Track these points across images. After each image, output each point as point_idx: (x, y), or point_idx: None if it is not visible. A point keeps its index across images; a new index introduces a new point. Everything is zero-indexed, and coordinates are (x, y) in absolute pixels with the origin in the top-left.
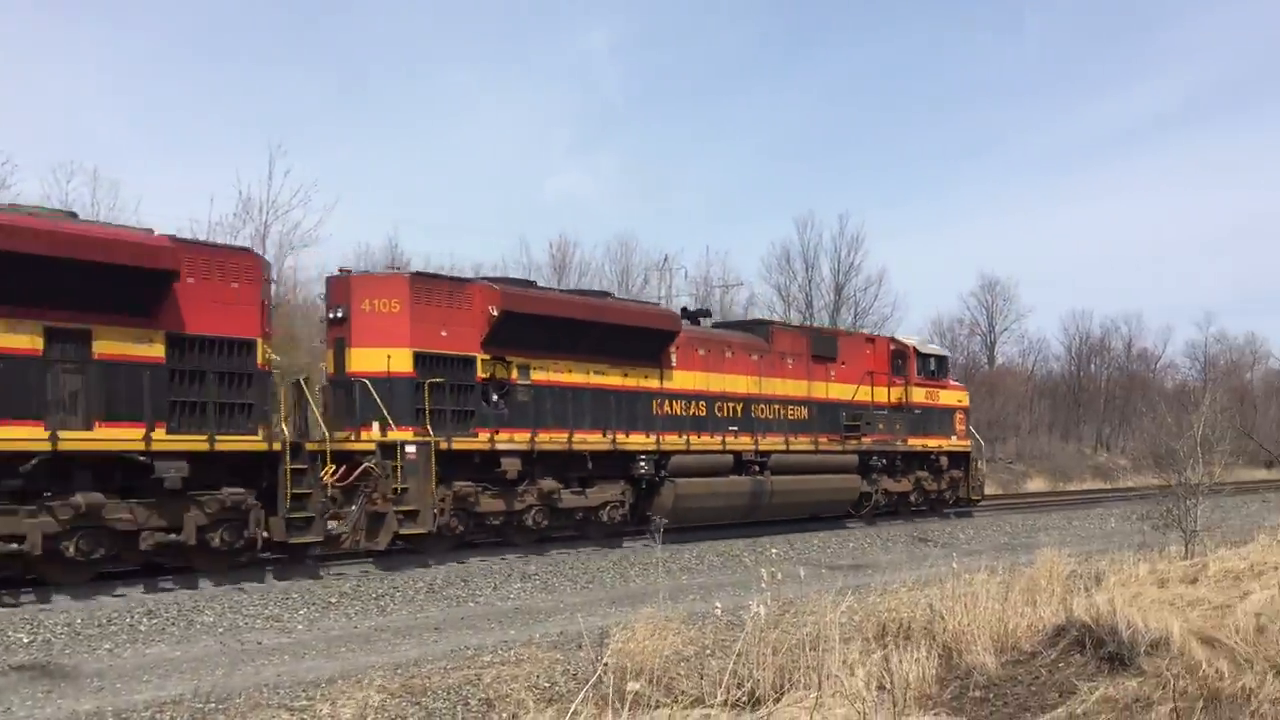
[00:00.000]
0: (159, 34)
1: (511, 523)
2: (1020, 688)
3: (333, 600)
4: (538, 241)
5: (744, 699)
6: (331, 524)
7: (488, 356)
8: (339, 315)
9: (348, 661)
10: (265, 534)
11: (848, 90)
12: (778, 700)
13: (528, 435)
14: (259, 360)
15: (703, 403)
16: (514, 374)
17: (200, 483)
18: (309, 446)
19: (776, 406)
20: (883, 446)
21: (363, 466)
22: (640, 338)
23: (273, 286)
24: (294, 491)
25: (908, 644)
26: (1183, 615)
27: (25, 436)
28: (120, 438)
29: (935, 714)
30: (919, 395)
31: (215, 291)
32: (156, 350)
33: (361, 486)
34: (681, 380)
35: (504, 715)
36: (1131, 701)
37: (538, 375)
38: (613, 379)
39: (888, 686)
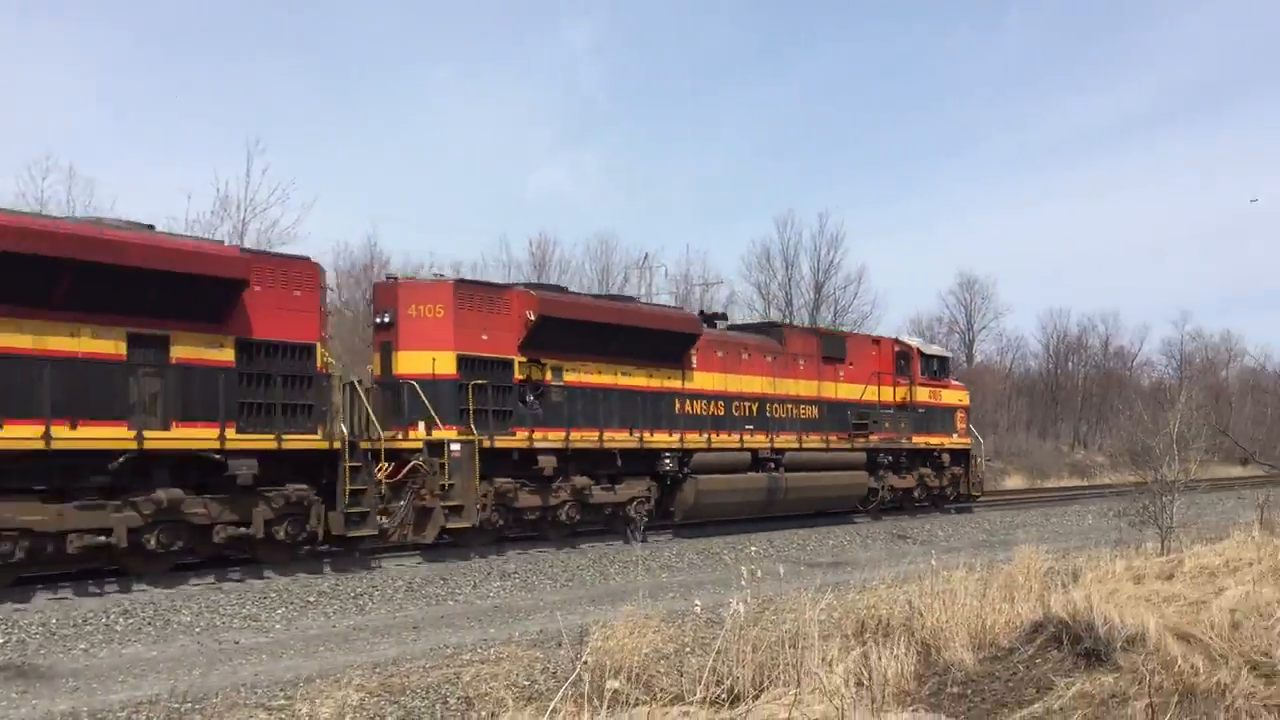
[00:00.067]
0: (134, 29)
1: (546, 517)
2: (998, 684)
3: (311, 599)
4: (518, 239)
5: (723, 696)
6: (381, 519)
7: (524, 359)
8: (386, 320)
9: (326, 661)
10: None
11: (827, 89)
12: (757, 697)
13: (562, 434)
14: (318, 363)
15: (721, 402)
16: (548, 375)
17: (265, 479)
18: (362, 445)
19: (789, 406)
20: (889, 444)
21: (411, 464)
22: (664, 340)
23: (328, 293)
24: (350, 488)
25: (886, 641)
26: (1159, 611)
27: (112, 436)
28: (197, 437)
29: (913, 710)
30: (922, 395)
31: (279, 299)
32: (227, 354)
33: (410, 483)
34: (701, 381)
35: (483, 714)
36: (1108, 697)
37: (570, 377)
38: (638, 380)
39: (866, 683)
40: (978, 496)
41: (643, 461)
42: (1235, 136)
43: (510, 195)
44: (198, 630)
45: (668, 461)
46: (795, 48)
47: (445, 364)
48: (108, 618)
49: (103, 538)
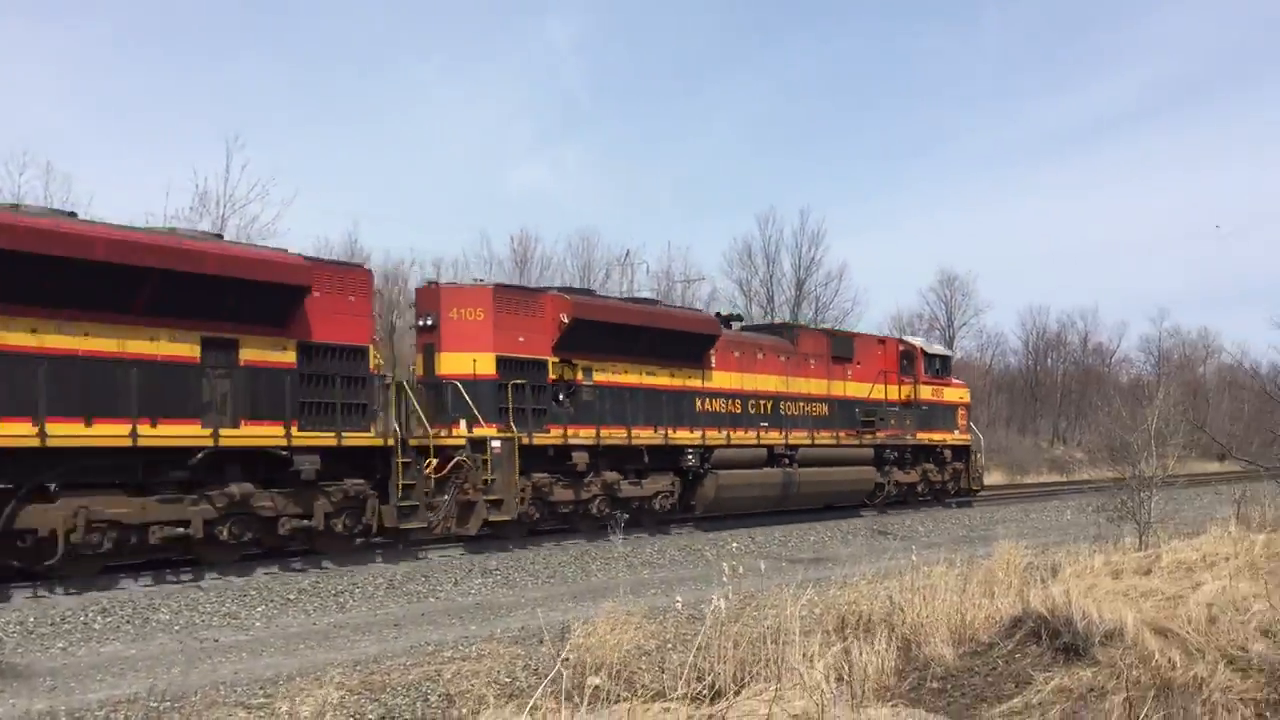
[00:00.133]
0: (112, 23)
1: (578, 511)
2: (977, 678)
3: (291, 597)
4: (499, 236)
5: (705, 692)
6: (428, 513)
7: (557, 359)
8: (429, 323)
9: (306, 659)
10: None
11: (810, 86)
12: (738, 693)
13: (593, 431)
14: (370, 365)
15: (738, 401)
16: (579, 375)
17: (323, 475)
18: (411, 442)
19: (801, 404)
20: (895, 441)
21: (455, 460)
22: (686, 341)
23: (380, 298)
24: (402, 483)
25: (867, 636)
26: (1136, 606)
27: (190, 433)
28: (265, 434)
29: (893, 705)
30: (926, 393)
31: (336, 304)
32: (290, 357)
33: (453, 478)
34: (720, 380)
35: (464, 711)
36: (1086, 691)
37: (599, 376)
38: (662, 379)
39: (847, 679)
40: (978, 491)
41: (667, 457)
42: (1212, 134)
43: (492, 191)
44: (177, 628)
45: (690, 457)
46: (778, 45)
47: (485, 365)
48: (86, 616)
49: (181, 529)
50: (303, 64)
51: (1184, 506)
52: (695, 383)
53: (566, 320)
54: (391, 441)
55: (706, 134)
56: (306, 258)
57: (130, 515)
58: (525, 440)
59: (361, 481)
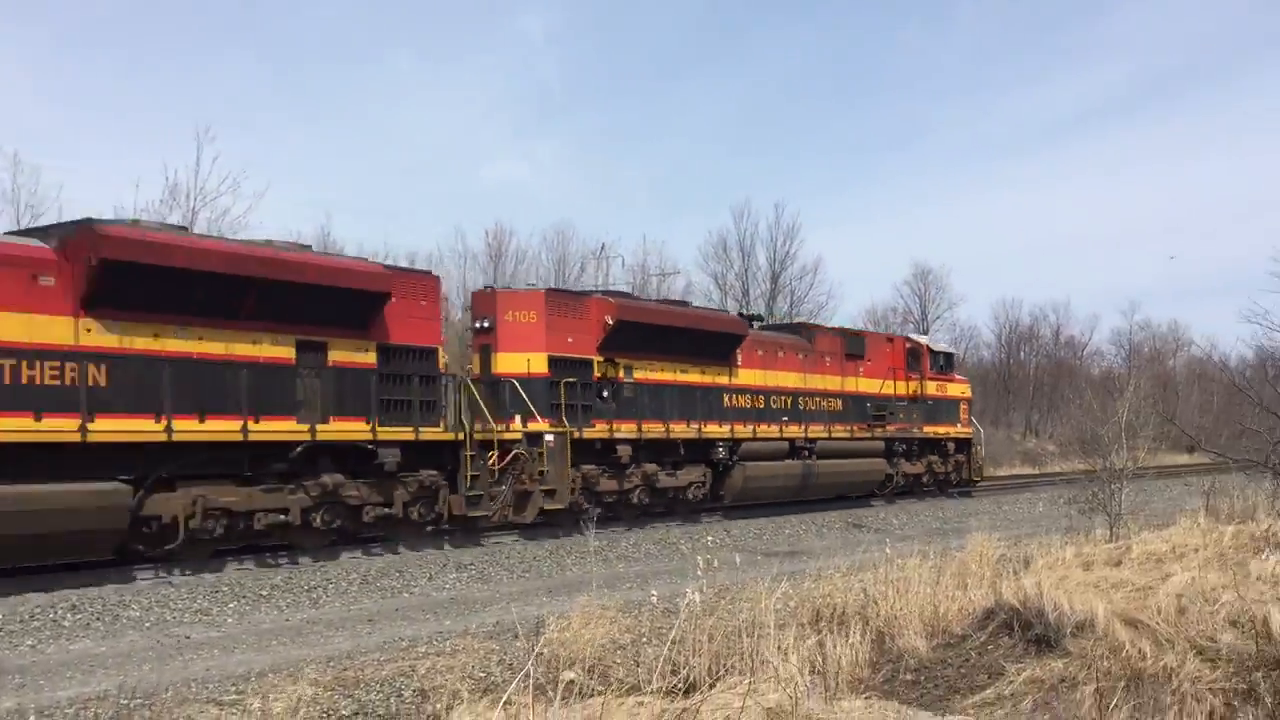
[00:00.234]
0: (80, 13)
1: (621, 500)
2: (950, 670)
3: (264, 593)
4: (474, 229)
5: (679, 686)
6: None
7: (601, 359)
8: (485, 325)
9: (279, 655)
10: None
11: (784, 80)
12: (712, 686)
13: (634, 425)
14: (439, 364)
15: (762, 396)
16: (620, 373)
17: (400, 467)
18: (476, 436)
19: (818, 399)
20: (903, 434)
21: (514, 453)
22: (716, 341)
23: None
24: (470, 474)
25: (841, 629)
26: (1107, 597)
27: (290, 429)
28: (353, 429)
29: (867, 697)
30: (931, 388)
31: (410, 308)
32: (371, 358)
33: (511, 469)
34: (745, 377)
35: (438, 706)
36: (1057, 682)
37: (639, 374)
38: (694, 376)
39: (821, 671)
40: (978, 481)
41: (698, 450)
42: (1184, 128)
43: (466, 185)
44: (147, 625)
45: (720, 450)
46: (752, 38)
47: (539, 364)
48: (55, 613)
49: (281, 516)
50: (275, 56)
51: (1154, 498)
52: (723, 380)
53: (611, 322)
54: (461, 436)
55: (681, 128)
56: (387, 266)
57: (239, 503)
58: (575, 434)
59: (435, 472)
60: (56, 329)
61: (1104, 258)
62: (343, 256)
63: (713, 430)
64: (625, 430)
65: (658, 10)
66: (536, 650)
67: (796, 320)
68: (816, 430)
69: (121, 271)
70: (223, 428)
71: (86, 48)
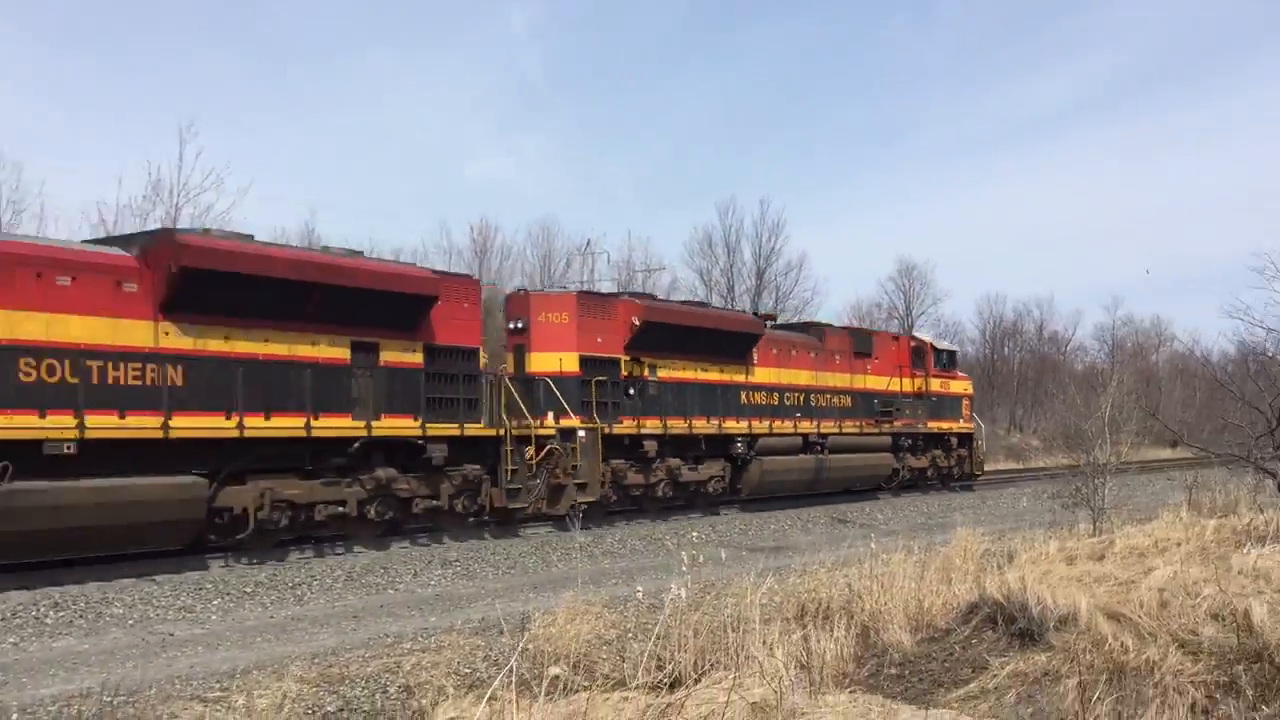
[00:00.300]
0: (63, 9)
1: (647, 494)
2: (934, 664)
3: (248, 590)
4: (459, 225)
5: (664, 681)
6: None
7: (628, 358)
8: (519, 326)
9: (264, 652)
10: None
11: (769, 76)
12: (698, 681)
13: (659, 422)
14: (480, 363)
15: (776, 394)
16: (645, 372)
17: (445, 461)
18: (514, 432)
19: (829, 396)
20: (909, 429)
21: (548, 448)
22: (735, 340)
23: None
24: (509, 468)
25: (826, 624)
26: (1090, 591)
27: (348, 425)
28: (404, 426)
29: (851, 692)
30: (935, 385)
31: (454, 310)
32: (418, 358)
33: (545, 464)
34: (761, 375)
35: (423, 702)
36: (1041, 676)
37: (663, 373)
38: (713, 375)
39: (806, 665)
40: (979, 475)
41: (718, 445)
42: (1167, 123)
43: (449, 181)
44: (131, 623)
45: (739, 445)
46: (737, 34)
47: (570, 363)
48: (38, 610)
49: (340, 508)
50: (258, 52)
51: (1137, 493)
52: (741, 378)
53: (638, 322)
54: (501, 431)
55: (666, 123)
56: (434, 271)
57: (301, 496)
58: (606, 430)
59: (478, 467)
60: (138, 332)
61: (1087, 253)
62: (393, 262)
63: (731, 426)
64: (651, 426)
65: (642, 5)
66: (521, 646)
67: (807, 320)
68: (828, 426)
69: (199, 278)
70: (288, 424)
71: (68, 46)
